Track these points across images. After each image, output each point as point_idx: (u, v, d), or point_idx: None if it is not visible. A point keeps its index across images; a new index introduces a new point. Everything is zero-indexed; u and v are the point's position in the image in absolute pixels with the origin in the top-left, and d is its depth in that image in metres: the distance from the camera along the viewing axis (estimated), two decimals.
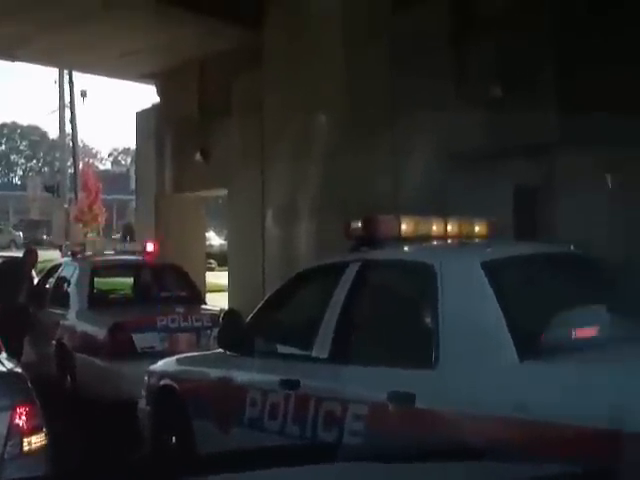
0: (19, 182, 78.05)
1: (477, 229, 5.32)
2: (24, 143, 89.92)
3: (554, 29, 10.04)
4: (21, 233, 48.71)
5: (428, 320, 4.27)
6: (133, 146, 24.78)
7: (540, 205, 9.87)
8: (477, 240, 5.28)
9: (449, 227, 5.22)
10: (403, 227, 5.07)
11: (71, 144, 34.39)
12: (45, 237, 43.91)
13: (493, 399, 3.71)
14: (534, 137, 9.68)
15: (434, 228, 5.19)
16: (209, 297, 13.21)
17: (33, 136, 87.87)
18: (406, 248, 5.00)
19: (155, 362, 6.49)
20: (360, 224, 5.13)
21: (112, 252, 11.71)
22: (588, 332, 3.75)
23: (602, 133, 8.34)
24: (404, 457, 2.32)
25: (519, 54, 10.17)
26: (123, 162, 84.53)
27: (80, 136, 53.02)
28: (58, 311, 9.96)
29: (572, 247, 5.03)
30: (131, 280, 11.54)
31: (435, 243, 5.18)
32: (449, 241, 5.21)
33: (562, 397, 3.49)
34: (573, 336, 3.70)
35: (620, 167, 8.84)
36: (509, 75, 10.20)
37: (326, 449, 3.37)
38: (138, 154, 22.01)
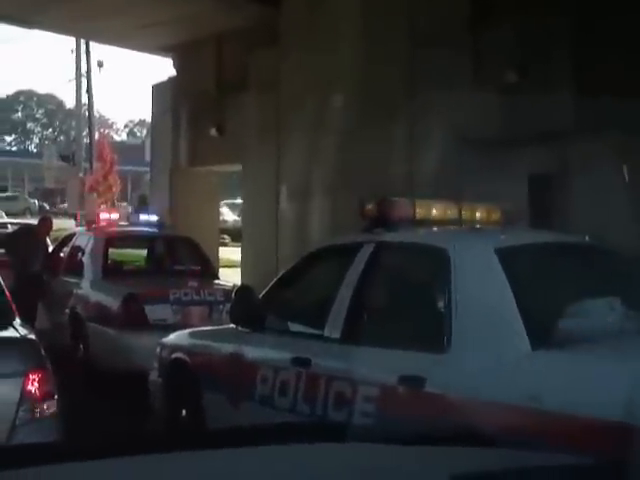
0: (35, 150, 78.20)
1: (491, 215, 5.32)
2: (40, 111, 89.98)
3: (571, 14, 9.99)
4: (36, 201, 48.89)
5: (440, 304, 4.29)
6: (149, 118, 24.77)
7: (555, 192, 9.85)
8: (491, 226, 5.29)
9: (463, 212, 5.23)
10: (418, 210, 5.08)
11: (87, 114, 34.41)
12: (60, 206, 44.10)
13: (504, 386, 3.73)
14: (549, 123, 9.65)
15: (448, 213, 5.20)
16: (222, 272, 13.26)
17: (50, 104, 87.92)
18: (420, 231, 5.02)
19: (167, 335, 6.55)
20: (374, 205, 5.14)
21: (126, 223, 11.76)
22: (601, 322, 3.76)
23: (618, 119, 8.32)
24: (412, 440, 2.34)
25: (536, 39, 10.13)
26: (139, 134, 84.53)
27: (96, 106, 53.05)
28: (72, 280, 10.03)
29: (587, 237, 5.03)
30: (145, 252, 11.60)
31: (449, 228, 5.20)
32: (463, 226, 5.22)
33: (573, 387, 3.50)
34: (586, 326, 3.71)
35: (636, 153, 8.80)
36: (525, 60, 10.17)
37: (334, 428, 3.40)
38: (154, 127, 22.01)
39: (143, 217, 11.42)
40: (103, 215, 11.34)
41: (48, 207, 44.27)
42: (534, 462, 2.16)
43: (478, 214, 5.27)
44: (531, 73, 9.92)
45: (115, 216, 11.42)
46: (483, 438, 2.58)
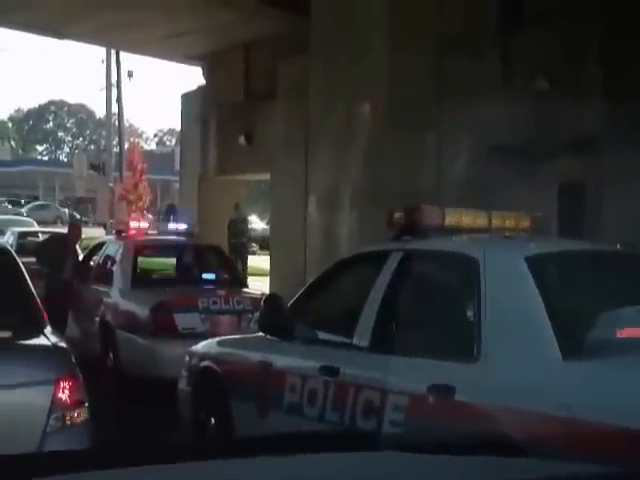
0: (65, 159, 78.93)
1: (521, 223, 5.28)
2: (71, 121, 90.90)
3: (602, 19, 9.91)
4: (67, 210, 49.33)
5: (470, 313, 4.27)
6: (178, 127, 24.93)
7: (586, 200, 9.76)
8: (521, 234, 5.25)
9: (493, 220, 5.19)
10: (447, 218, 5.05)
11: (117, 123, 34.69)
12: (90, 214, 44.51)
13: (534, 395, 3.70)
14: (580, 131, 9.58)
15: (478, 221, 5.17)
16: (250, 281, 13.29)
17: (80, 114, 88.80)
18: (449, 239, 4.99)
19: (196, 343, 6.56)
20: (403, 213, 5.12)
21: (155, 232, 11.81)
22: (633, 333, 3.71)
23: None
24: (441, 449, 2.33)
25: (565, 46, 10.06)
26: (168, 143, 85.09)
27: (126, 116, 53.55)
28: (102, 288, 10.09)
29: (619, 246, 4.97)
30: (174, 260, 11.64)
31: (479, 236, 5.16)
32: (492, 234, 5.19)
33: (605, 397, 3.47)
34: (617, 336, 3.67)
35: None
36: (555, 68, 10.10)
37: (363, 437, 3.39)
38: (183, 135, 22.17)
39: (172, 226, 11.48)
40: (133, 224, 11.41)
41: (79, 216, 44.67)
42: (565, 472, 2.13)
43: (508, 222, 5.23)
44: (561, 80, 9.85)
45: (145, 225, 11.50)
46: (514, 447, 2.55)
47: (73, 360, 4.60)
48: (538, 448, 2.82)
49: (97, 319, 9.76)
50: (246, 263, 18.55)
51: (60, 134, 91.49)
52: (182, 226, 11.21)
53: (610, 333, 3.67)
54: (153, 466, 1.97)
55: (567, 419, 3.44)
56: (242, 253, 18.07)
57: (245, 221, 20.02)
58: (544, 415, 3.54)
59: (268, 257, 16.46)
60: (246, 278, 12.99)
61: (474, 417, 3.81)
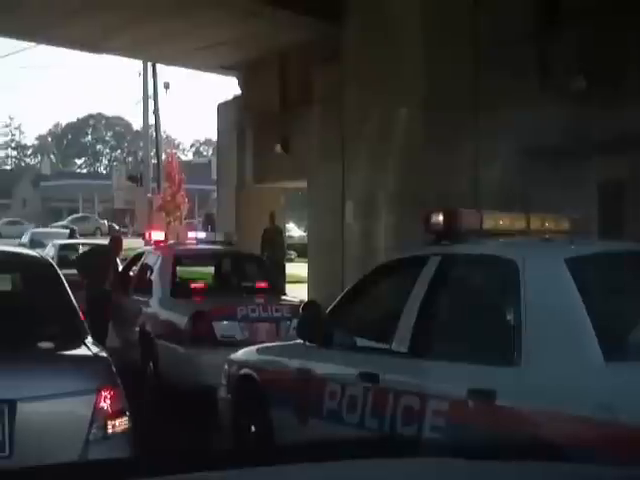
0: (104, 172, 79.89)
1: (560, 225, 5.23)
2: (109, 133, 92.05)
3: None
4: (106, 221, 49.93)
5: (510, 317, 4.22)
6: (215, 137, 25.10)
7: (627, 202, 9.63)
8: (560, 237, 5.19)
9: (531, 223, 5.14)
10: (485, 222, 5.01)
11: (154, 135, 35.01)
12: (129, 225, 44.98)
13: (576, 399, 3.65)
14: (620, 131, 9.46)
15: (516, 224, 5.12)
16: (288, 288, 13.30)
17: (118, 127, 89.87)
18: (488, 243, 4.95)
19: (235, 351, 6.58)
20: (441, 217, 5.08)
21: (194, 241, 11.89)
22: None
23: None
24: (482, 454, 2.30)
25: (603, 45, 9.94)
26: (205, 153, 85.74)
27: (163, 127, 53.99)
28: (141, 298, 10.16)
29: None
30: (212, 269, 11.70)
31: (517, 239, 5.12)
32: (531, 237, 5.14)
33: None
34: None
35: None
36: (594, 68, 9.99)
37: (404, 443, 3.37)
38: (219, 145, 22.30)
39: (210, 235, 11.59)
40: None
41: (118, 227, 45.18)
42: (608, 476, 2.10)
43: (547, 224, 5.18)
44: (600, 79, 9.73)
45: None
46: (556, 452, 2.52)
47: (114, 370, 4.63)
48: (580, 452, 2.78)
49: (137, 329, 9.84)
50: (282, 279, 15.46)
51: (98, 147, 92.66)
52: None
53: None
54: (193, 474, 1.97)
55: (609, 422, 3.39)
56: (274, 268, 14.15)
57: (280, 233, 18.06)
58: (586, 419, 3.49)
59: (306, 264, 16.46)
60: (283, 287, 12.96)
61: (515, 421, 3.77)
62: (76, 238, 25.50)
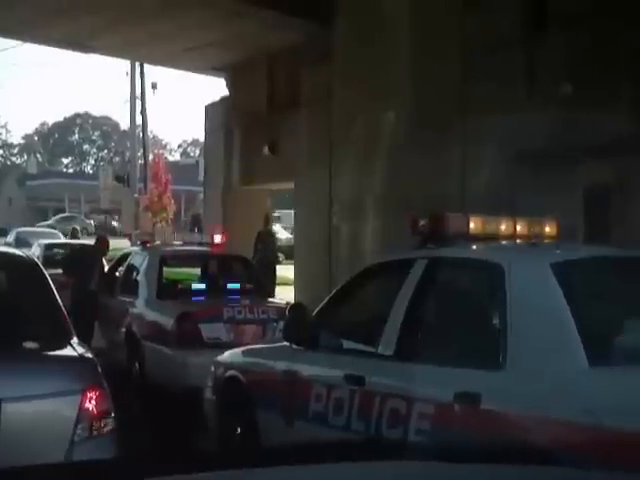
0: (91, 171, 79.61)
1: (547, 230, 5.25)
2: (96, 133, 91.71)
3: (627, 24, 9.84)
4: (92, 221, 49.74)
5: (496, 321, 4.24)
6: (202, 138, 25.05)
7: (613, 207, 9.68)
8: (546, 241, 5.21)
9: (518, 227, 5.17)
10: (471, 226, 5.03)
11: (141, 135, 34.92)
12: (114, 225, 44.85)
13: (561, 403, 3.67)
14: (606, 137, 9.51)
15: (502, 228, 5.14)
16: (275, 290, 13.29)
17: (105, 126, 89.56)
18: (474, 247, 4.97)
19: (221, 353, 6.58)
20: (428, 221, 5.10)
21: (180, 242, 11.88)
22: None
23: None
24: (467, 458, 2.31)
25: (590, 51, 9.99)
26: (192, 154, 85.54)
27: (150, 127, 53.77)
28: (127, 299, 10.14)
29: None
30: (199, 270, 11.69)
31: (504, 243, 5.14)
32: (518, 241, 5.16)
33: (632, 404, 3.43)
34: None
35: None
36: (580, 73, 10.04)
37: (389, 446, 3.37)
38: (207, 146, 22.28)
39: (196, 236, 11.56)
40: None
41: (103, 226, 45.01)
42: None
43: (533, 229, 5.20)
44: (587, 85, 9.78)
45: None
46: (540, 456, 2.53)
47: (99, 370, 4.63)
48: (564, 455, 2.79)
49: (123, 330, 9.81)
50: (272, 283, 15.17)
51: (85, 147, 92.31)
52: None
53: (637, 339, 3.63)
54: (179, 476, 1.97)
55: (593, 426, 3.40)
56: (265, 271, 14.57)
57: (272, 235, 18.10)
58: (570, 423, 3.51)
59: (293, 266, 16.46)
60: (273, 289, 12.88)
61: (500, 425, 3.79)
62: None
